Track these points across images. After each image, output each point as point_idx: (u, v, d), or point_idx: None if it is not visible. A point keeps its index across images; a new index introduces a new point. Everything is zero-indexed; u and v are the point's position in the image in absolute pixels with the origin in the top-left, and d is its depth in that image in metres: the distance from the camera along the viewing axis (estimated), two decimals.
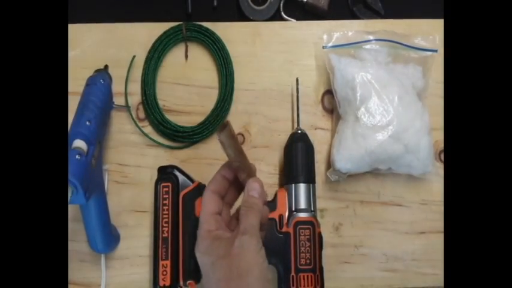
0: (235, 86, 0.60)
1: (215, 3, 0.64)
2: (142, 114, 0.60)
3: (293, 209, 0.51)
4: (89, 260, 0.55)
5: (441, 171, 0.57)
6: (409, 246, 0.57)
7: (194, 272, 0.48)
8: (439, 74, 0.59)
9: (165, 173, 0.52)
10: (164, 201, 0.52)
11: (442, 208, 0.57)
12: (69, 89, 0.55)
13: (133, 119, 0.59)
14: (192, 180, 0.53)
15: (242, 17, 0.63)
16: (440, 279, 0.56)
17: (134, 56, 0.60)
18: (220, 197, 0.45)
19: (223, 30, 0.61)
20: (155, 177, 0.53)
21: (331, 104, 0.60)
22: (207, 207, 0.43)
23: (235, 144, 0.42)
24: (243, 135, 0.59)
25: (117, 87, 0.59)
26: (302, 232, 0.50)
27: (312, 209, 0.52)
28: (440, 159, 0.59)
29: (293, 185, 0.52)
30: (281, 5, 0.63)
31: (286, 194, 0.52)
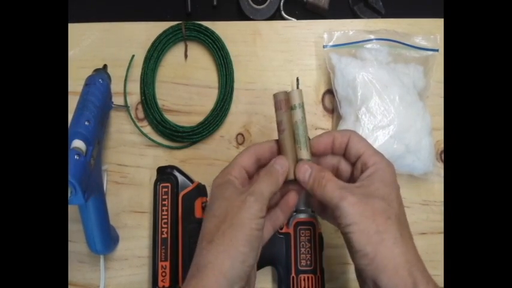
0: (235, 85, 0.60)
1: (215, 3, 0.63)
2: (141, 114, 0.59)
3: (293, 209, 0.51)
4: (87, 261, 0.55)
5: (442, 172, 0.57)
6: None
7: None
8: (441, 74, 0.58)
9: (165, 173, 0.52)
10: (163, 202, 0.51)
11: (443, 208, 0.57)
12: (68, 89, 0.55)
13: (132, 119, 0.59)
14: (191, 181, 0.52)
15: (242, 16, 0.63)
16: (442, 280, 0.55)
17: (133, 56, 0.60)
18: (256, 159, 0.42)
19: (223, 29, 0.61)
20: (154, 177, 0.53)
21: (332, 103, 0.60)
22: (239, 157, 0.41)
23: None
24: (243, 135, 0.59)
25: (116, 86, 0.59)
26: (302, 233, 0.50)
27: (313, 209, 0.51)
28: (442, 159, 0.58)
29: None
30: (281, 4, 0.63)
31: None
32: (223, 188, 0.39)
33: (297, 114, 0.41)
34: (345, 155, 0.42)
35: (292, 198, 0.42)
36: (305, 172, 0.40)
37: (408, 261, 0.36)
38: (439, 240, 0.56)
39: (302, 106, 0.41)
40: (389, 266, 0.35)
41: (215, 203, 0.39)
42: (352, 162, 0.42)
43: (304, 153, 0.41)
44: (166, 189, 0.52)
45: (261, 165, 0.42)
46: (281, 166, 0.40)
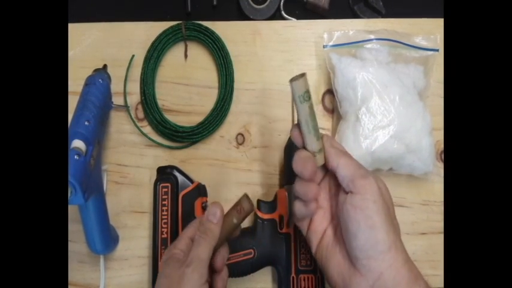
0: (235, 85, 0.59)
1: (215, 2, 0.63)
2: (141, 114, 0.59)
3: None
4: (87, 261, 0.55)
5: (442, 172, 0.57)
6: (410, 247, 0.56)
7: None
8: (441, 74, 0.58)
9: (165, 173, 0.52)
10: (163, 202, 0.51)
11: (443, 208, 0.57)
12: (68, 89, 0.55)
13: (132, 119, 0.59)
14: (191, 181, 0.52)
15: (242, 16, 0.63)
16: (442, 280, 0.56)
17: (133, 56, 0.60)
18: None
19: (223, 29, 0.61)
20: (154, 177, 0.53)
21: (332, 103, 0.60)
22: (186, 229, 0.42)
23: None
24: (243, 135, 0.59)
25: (116, 86, 0.59)
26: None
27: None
28: (442, 159, 0.58)
29: (293, 185, 0.51)
30: (281, 4, 0.63)
31: (287, 195, 0.51)
32: (165, 265, 0.39)
33: (302, 108, 0.40)
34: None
35: (219, 260, 0.42)
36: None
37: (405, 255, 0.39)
38: (439, 240, 0.56)
39: (304, 98, 0.39)
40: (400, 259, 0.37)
41: (158, 283, 0.39)
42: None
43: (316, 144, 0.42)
44: (166, 189, 0.52)
45: None
46: (214, 215, 0.41)
